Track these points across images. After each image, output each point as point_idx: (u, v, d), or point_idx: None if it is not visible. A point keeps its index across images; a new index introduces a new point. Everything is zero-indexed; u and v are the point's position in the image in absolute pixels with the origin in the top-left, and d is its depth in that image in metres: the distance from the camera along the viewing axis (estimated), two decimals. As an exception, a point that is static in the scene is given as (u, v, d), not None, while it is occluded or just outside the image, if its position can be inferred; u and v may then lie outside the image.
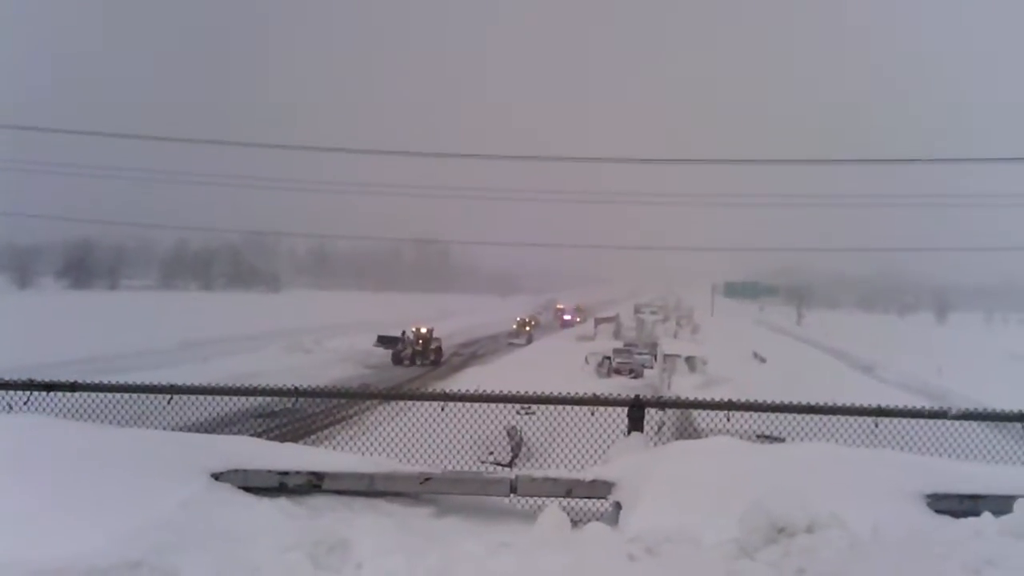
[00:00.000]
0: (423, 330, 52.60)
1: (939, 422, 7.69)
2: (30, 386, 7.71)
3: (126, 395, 7.95)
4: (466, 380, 36.38)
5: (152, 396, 7.85)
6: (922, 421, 7.68)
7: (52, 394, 7.75)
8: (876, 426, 7.45)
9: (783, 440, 8.50)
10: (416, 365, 49.17)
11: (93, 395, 7.84)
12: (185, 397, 7.94)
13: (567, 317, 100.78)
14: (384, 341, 50.78)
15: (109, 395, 7.91)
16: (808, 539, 3.83)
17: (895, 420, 7.57)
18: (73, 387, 7.73)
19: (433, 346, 52.40)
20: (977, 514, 4.61)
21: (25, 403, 7.66)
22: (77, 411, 7.76)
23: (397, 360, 49.07)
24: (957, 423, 7.71)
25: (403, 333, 51.62)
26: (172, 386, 7.80)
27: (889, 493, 5.49)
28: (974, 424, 7.86)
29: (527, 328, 75.41)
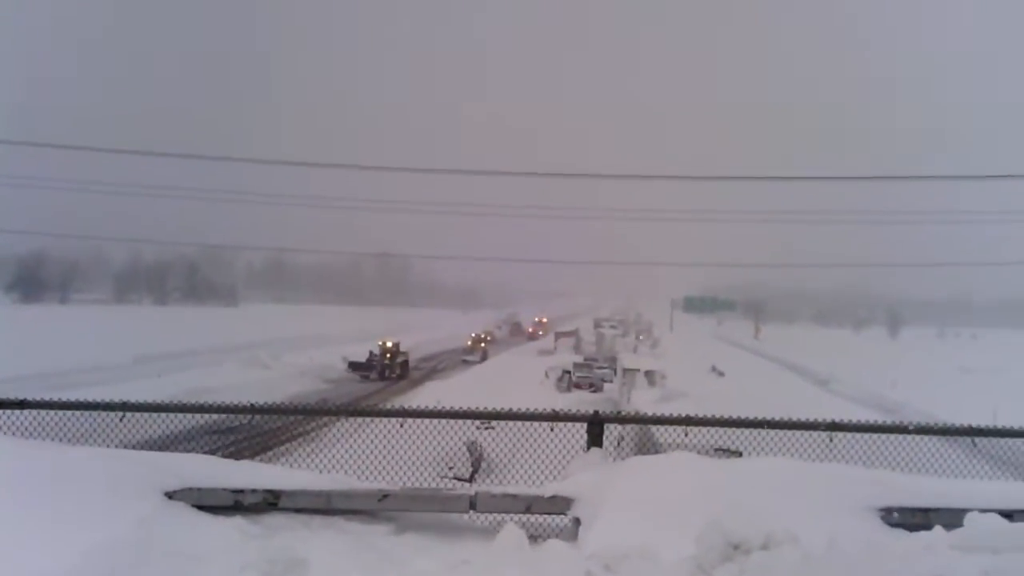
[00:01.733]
0: (389, 344, 52.59)
1: (892, 436, 7.82)
2: (-23, 403, 7.53)
3: (77, 412, 7.78)
4: (426, 395, 36.25)
5: (105, 413, 7.71)
6: (876, 435, 7.80)
7: (0, 411, 7.57)
8: (831, 440, 7.55)
9: (740, 454, 8.58)
10: (384, 379, 49.20)
11: (43, 412, 7.66)
12: (139, 414, 7.80)
13: (531, 329, 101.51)
14: (356, 367, 50.26)
15: (60, 412, 7.73)
16: (763, 556, 3.87)
17: (849, 434, 7.69)
18: (22, 404, 7.56)
19: (400, 360, 52.57)
20: (929, 527, 4.70)
21: (-27, 421, 7.48)
22: (27, 429, 7.58)
23: (366, 376, 49.07)
24: (910, 437, 7.85)
25: (370, 353, 51.41)
26: (125, 403, 7.66)
27: (844, 507, 5.57)
28: (927, 437, 8.01)
29: (482, 344, 73.27)
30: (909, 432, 7.77)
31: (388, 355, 51.63)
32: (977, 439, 7.69)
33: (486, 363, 61.37)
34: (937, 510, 5.56)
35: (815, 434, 7.70)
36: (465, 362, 62.47)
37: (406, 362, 53.64)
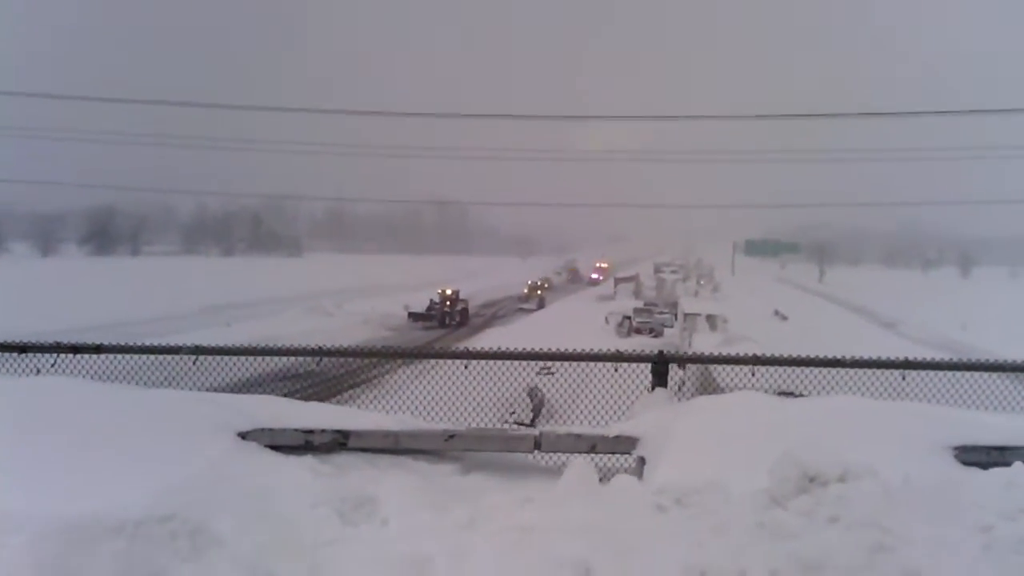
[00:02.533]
0: (448, 292, 53.00)
1: (966, 375, 7.61)
2: (56, 348, 7.79)
3: (152, 357, 7.99)
4: (487, 341, 36.48)
5: (178, 358, 7.91)
6: (948, 375, 7.60)
7: (78, 357, 7.81)
8: (903, 379, 7.38)
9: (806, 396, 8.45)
10: (444, 326, 49.66)
11: (119, 357, 7.88)
12: (210, 360, 7.98)
13: (594, 276, 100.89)
14: (417, 316, 50.71)
15: (135, 357, 7.96)
16: (841, 488, 3.80)
17: (921, 374, 7.50)
18: (99, 349, 7.79)
19: (459, 307, 52.95)
20: (1007, 465, 4.57)
21: (52, 366, 7.75)
22: (103, 373, 7.82)
23: (428, 325, 49.56)
24: (985, 376, 7.63)
25: (431, 301, 51.87)
26: (197, 347, 7.84)
27: (917, 445, 5.44)
28: (1001, 377, 7.78)
29: (538, 292, 71.62)
30: (984, 369, 7.55)
31: (448, 303, 52.06)
32: (1057, 377, 7.46)
33: (544, 311, 61.04)
34: (1015, 448, 5.39)
35: (886, 375, 7.52)
36: (521, 310, 61.83)
37: (466, 309, 53.94)
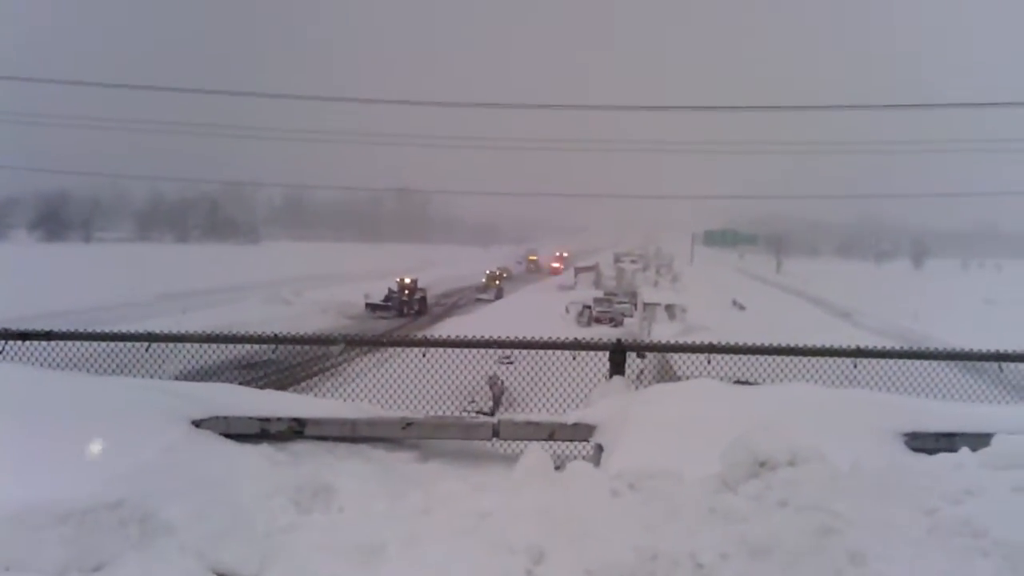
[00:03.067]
0: (407, 281, 52.49)
1: (916, 364, 7.76)
2: (4, 335, 7.62)
3: (104, 345, 7.85)
4: (447, 330, 36.38)
5: (131, 346, 7.78)
6: (899, 363, 7.74)
7: (27, 344, 7.65)
8: (855, 367, 7.51)
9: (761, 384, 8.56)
10: (403, 315, 49.05)
11: (69, 345, 7.73)
12: (164, 348, 7.86)
13: (555, 265, 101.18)
14: (374, 307, 49.90)
15: (86, 345, 7.81)
16: (790, 472, 3.86)
17: (872, 363, 7.63)
18: (48, 336, 7.64)
19: (418, 296, 52.45)
20: (954, 450, 4.67)
21: (0, 353, 7.58)
22: (53, 361, 7.67)
23: (384, 315, 48.85)
24: (934, 364, 7.79)
25: (388, 291, 51.21)
26: (150, 334, 7.72)
27: (867, 431, 5.55)
28: (952, 366, 7.95)
29: (496, 282, 69.81)
30: (935, 358, 7.71)
31: (406, 292, 51.58)
32: (1004, 367, 7.63)
33: (503, 300, 60.54)
34: (962, 434, 5.51)
35: (839, 364, 7.64)
36: (479, 300, 60.62)
37: (424, 299, 53.52)
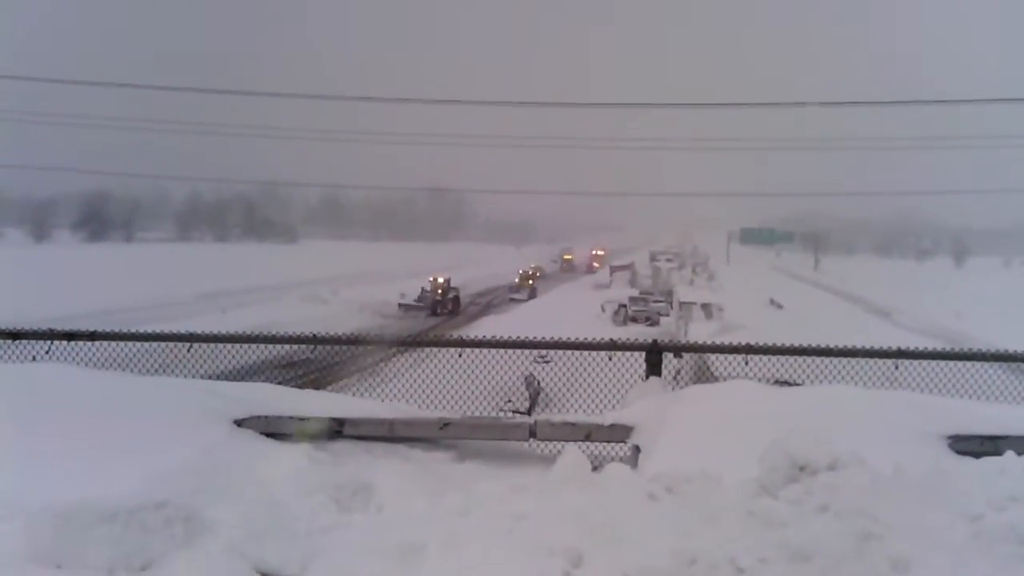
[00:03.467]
0: (440, 280, 51.90)
1: (959, 364, 7.64)
2: (51, 335, 7.78)
3: (146, 344, 7.99)
4: (482, 329, 36.47)
5: (172, 345, 7.91)
6: (941, 364, 7.63)
7: (73, 343, 7.81)
8: (896, 368, 7.41)
9: (801, 385, 8.48)
10: (436, 315, 48.71)
11: (114, 344, 7.88)
12: (205, 347, 7.99)
13: (588, 263, 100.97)
14: (408, 308, 49.24)
15: (130, 344, 7.95)
16: (830, 477, 3.83)
17: (914, 363, 7.53)
18: (93, 336, 7.79)
19: (451, 295, 51.93)
20: (999, 454, 4.60)
21: (47, 352, 7.74)
22: (98, 360, 7.81)
23: (430, 312, 48.65)
24: (977, 365, 7.66)
25: (422, 290, 50.91)
26: (192, 334, 7.85)
27: (909, 434, 5.48)
28: (995, 366, 7.81)
29: (530, 281, 67.82)
30: (978, 359, 7.58)
31: (439, 291, 51.00)
32: (1049, 367, 7.49)
33: (537, 300, 59.25)
34: (1007, 437, 5.43)
35: (879, 364, 7.54)
36: (512, 300, 59.08)
37: (457, 298, 52.89)
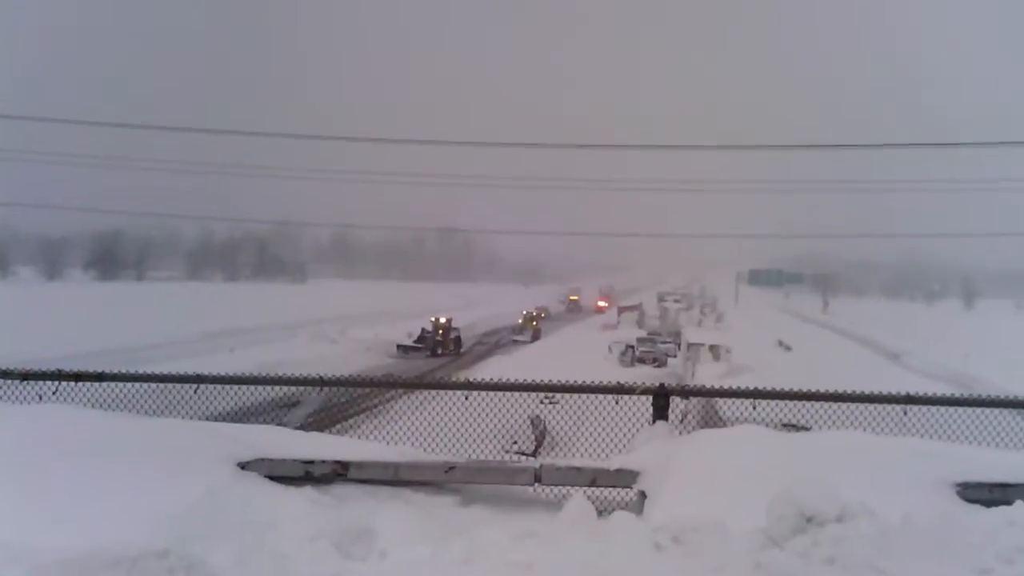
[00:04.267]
0: (442, 320, 51.50)
1: (969, 410, 7.59)
2: (58, 376, 7.79)
3: (153, 385, 8.00)
4: (489, 370, 36.45)
5: (179, 386, 7.91)
6: (951, 409, 7.58)
7: (80, 384, 7.82)
8: (905, 414, 7.36)
9: (809, 429, 8.43)
10: (437, 356, 48.25)
11: (120, 385, 7.89)
12: (212, 387, 7.99)
13: (600, 304, 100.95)
14: (407, 349, 48.74)
15: (136, 385, 7.97)
16: (838, 528, 3.79)
17: (924, 408, 7.48)
18: (100, 377, 7.80)
19: (452, 335, 51.51)
20: (1008, 503, 4.54)
21: (54, 393, 7.75)
22: (105, 401, 7.82)
23: (429, 354, 48.08)
24: (986, 411, 7.60)
25: (422, 331, 50.37)
26: (199, 375, 7.85)
27: (918, 482, 5.42)
28: (1004, 412, 7.75)
29: (534, 323, 65.55)
30: (987, 405, 7.52)
31: (440, 332, 50.49)
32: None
33: (545, 340, 58.69)
34: (1016, 485, 5.36)
35: (888, 409, 7.50)
36: (515, 342, 57.42)
37: (459, 338, 52.46)
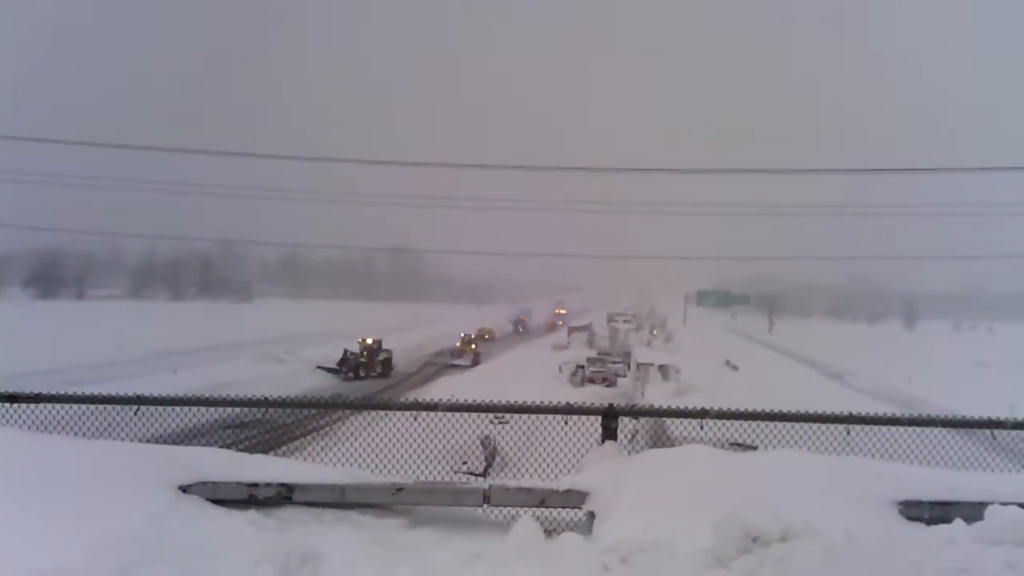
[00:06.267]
0: (368, 341, 50.08)
1: (910, 429, 7.73)
2: (-9, 398, 7.55)
3: (92, 406, 7.80)
4: (439, 389, 36.28)
5: (119, 407, 7.72)
6: (893, 429, 7.72)
7: (16, 405, 7.59)
8: (848, 433, 7.48)
9: (756, 448, 8.52)
10: (359, 378, 46.69)
11: (58, 407, 7.68)
12: (153, 408, 7.81)
13: (549, 322, 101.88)
14: (328, 371, 47.93)
15: (74, 406, 7.75)
16: (782, 548, 3.82)
17: (866, 427, 7.60)
18: (37, 398, 7.58)
19: (381, 357, 49.86)
20: (949, 521, 4.63)
21: (-12, 415, 7.50)
22: (41, 423, 7.59)
23: (346, 376, 46.76)
24: (927, 430, 7.76)
25: (345, 352, 48.92)
26: (139, 397, 7.66)
27: (861, 500, 5.50)
28: (944, 431, 7.91)
29: (473, 346, 61.58)
30: (927, 425, 7.67)
31: (366, 353, 49.08)
32: (996, 433, 7.61)
33: (493, 361, 57.26)
34: (956, 503, 5.48)
35: (832, 428, 7.61)
36: (453, 367, 54.02)
37: (388, 360, 50.66)
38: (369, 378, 47.30)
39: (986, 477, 6.92)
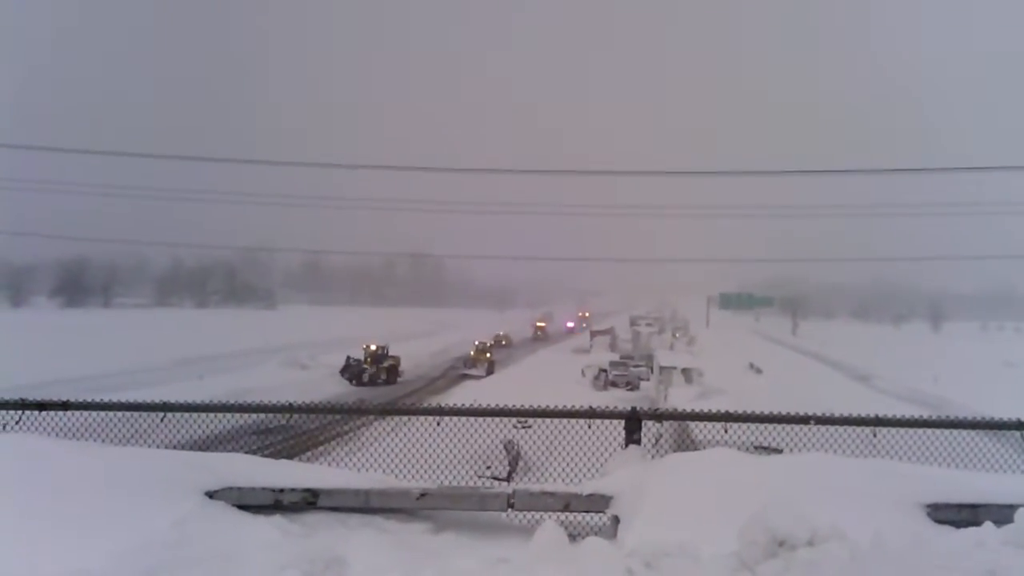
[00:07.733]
0: (373, 347, 49.42)
1: (937, 431, 7.65)
2: (22, 405, 7.63)
3: (119, 413, 7.87)
4: (462, 394, 36.30)
5: (146, 414, 7.79)
6: (920, 431, 7.63)
7: (45, 413, 7.67)
8: (874, 436, 7.41)
9: (781, 451, 8.45)
10: (363, 385, 46.17)
11: (86, 414, 7.75)
12: (179, 415, 7.87)
13: (570, 324, 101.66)
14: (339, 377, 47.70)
15: (102, 413, 7.83)
16: (809, 552, 3.79)
17: (893, 430, 7.53)
18: (65, 406, 7.66)
19: (386, 364, 49.08)
20: (977, 524, 4.58)
21: (17, 422, 7.59)
22: (70, 430, 7.67)
23: (351, 382, 46.54)
24: (955, 432, 7.67)
25: (347, 359, 48.73)
26: (165, 403, 7.73)
27: (889, 503, 5.45)
28: (973, 433, 7.82)
29: (487, 354, 58.32)
30: (955, 427, 7.59)
31: (370, 360, 48.49)
32: (1026, 434, 7.50)
33: (515, 366, 56.40)
34: (986, 506, 5.42)
35: (857, 430, 7.54)
36: (466, 376, 51.68)
37: (395, 367, 49.89)
38: (374, 385, 46.45)
39: (1016, 479, 6.83)
